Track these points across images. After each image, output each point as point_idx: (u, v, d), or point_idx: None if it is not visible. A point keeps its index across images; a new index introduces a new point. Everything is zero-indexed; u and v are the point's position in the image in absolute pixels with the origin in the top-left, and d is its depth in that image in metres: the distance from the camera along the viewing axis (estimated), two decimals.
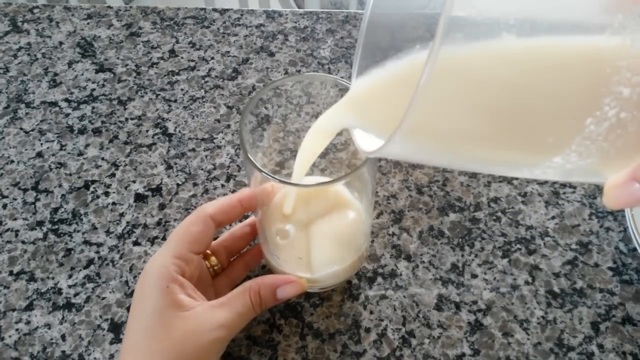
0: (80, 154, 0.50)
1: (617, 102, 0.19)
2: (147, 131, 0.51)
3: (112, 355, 0.38)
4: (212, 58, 0.58)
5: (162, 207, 0.46)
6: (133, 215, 0.45)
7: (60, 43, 0.60)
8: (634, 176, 0.20)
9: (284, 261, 0.36)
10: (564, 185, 0.47)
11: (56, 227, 0.45)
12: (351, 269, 0.38)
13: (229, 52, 0.58)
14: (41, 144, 0.51)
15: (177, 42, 0.59)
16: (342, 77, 0.35)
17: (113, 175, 0.48)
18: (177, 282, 0.33)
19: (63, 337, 0.39)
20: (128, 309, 0.40)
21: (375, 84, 0.28)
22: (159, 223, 0.45)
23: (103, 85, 0.55)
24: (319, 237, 0.35)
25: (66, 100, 0.54)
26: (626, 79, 0.19)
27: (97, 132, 0.51)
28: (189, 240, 0.34)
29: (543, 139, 0.20)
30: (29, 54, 0.58)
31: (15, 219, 0.45)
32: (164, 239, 0.44)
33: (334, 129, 0.30)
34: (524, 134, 0.21)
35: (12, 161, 0.49)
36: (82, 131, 0.51)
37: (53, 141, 0.51)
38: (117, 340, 0.39)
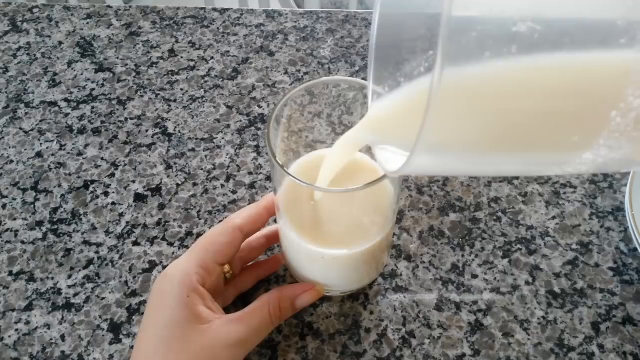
0: (80, 154, 0.50)
1: None
2: (146, 131, 0.51)
3: (111, 356, 0.38)
4: (212, 58, 0.58)
5: (161, 207, 0.46)
6: (133, 215, 0.45)
7: (60, 43, 0.60)
8: None
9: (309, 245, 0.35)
10: (564, 185, 0.47)
11: (56, 227, 0.45)
12: (373, 267, 0.38)
13: (228, 51, 0.58)
14: (41, 144, 0.50)
15: (177, 41, 0.59)
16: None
17: (112, 175, 0.48)
18: (197, 292, 0.32)
19: (62, 337, 0.39)
20: (128, 309, 0.40)
21: (391, 105, 0.28)
22: (158, 223, 0.45)
23: (102, 85, 0.55)
24: (346, 215, 0.35)
25: (66, 100, 0.54)
26: None
27: (96, 132, 0.51)
28: (215, 251, 0.34)
29: (567, 139, 0.20)
30: (28, 54, 0.58)
31: (14, 219, 0.45)
32: (163, 239, 0.44)
33: (357, 146, 0.31)
34: (546, 138, 0.20)
35: (12, 161, 0.49)
36: (81, 131, 0.51)
37: (52, 141, 0.51)
38: (116, 340, 0.39)
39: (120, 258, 0.43)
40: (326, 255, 0.34)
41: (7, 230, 0.45)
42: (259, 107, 0.53)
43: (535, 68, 0.19)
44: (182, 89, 0.55)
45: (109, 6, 0.63)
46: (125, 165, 0.49)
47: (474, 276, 0.41)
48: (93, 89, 0.55)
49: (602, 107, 0.19)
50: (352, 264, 0.36)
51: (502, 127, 0.20)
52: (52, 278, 0.42)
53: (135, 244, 0.44)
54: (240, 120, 0.52)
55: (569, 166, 0.21)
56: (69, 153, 0.50)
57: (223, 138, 0.51)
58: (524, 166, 0.23)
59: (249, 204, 0.46)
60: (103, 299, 0.41)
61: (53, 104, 0.54)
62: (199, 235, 0.44)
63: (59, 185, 0.47)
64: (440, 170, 0.24)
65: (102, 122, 0.52)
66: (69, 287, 0.41)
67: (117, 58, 0.58)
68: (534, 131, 0.20)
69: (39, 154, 0.50)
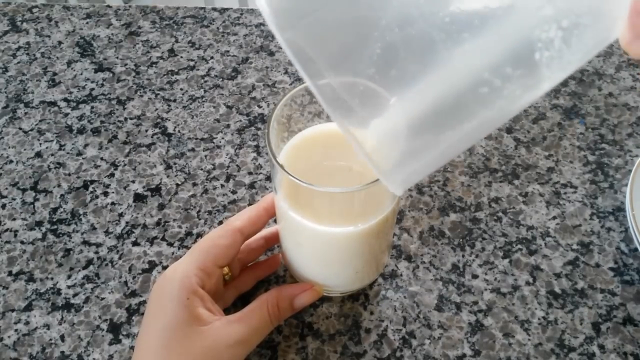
0: (79, 153, 0.50)
1: (550, 23, 0.19)
2: (146, 131, 0.51)
3: (111, 356, 0.38)
4: (212, 57, 0.58)
5: (161, 207, 0.46)
6: (132, 216, 0.45)
7: (59, 42, 0.59)
8: (634, 28, 0.19)
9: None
10: (565, 185, 0.47)
11: (55, 227, 0.45)
12: (373, 266, 0.38)
13: (228, 51, 0.58)
14: (40, 144, 0.50)
15: (177, 41, 0.59)
16: None
17: (112, 175, 0.48)
18: (197, 294, 0.33)
19: (62, 337, 0.39)
20: (127, 309, 0.40)
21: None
22: (158, 223, 0.45)
23: (102, 85, 0.55)
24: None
25: (65, 100, 0.54)
26: None
27: (96, 132, 0.51)
28: (215, 254, 0.34)
29: (515, 92, 0.21)
30: (28, 54, 0.58)
31: (14, 219, 0.45)
32: (163, 239, 0.44)
33: None
34: (494, 104, 0.21)
35: (11, 161, 0.49)
36: (81, 131, 0.51)
37: (52, 141, 0.51)
38: (116, 340, 0.38)
39: (119, 258, 0.43)
40: (331, 234, 0.33)
41: (6, 230, 0.45)
42: (259, 107, 0.53)
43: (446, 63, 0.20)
44: (181, 89, 0.55)
45: (108, 6, 0.63)
46: (125, 165, 0.49)
47: (475, 276, 0.41)
48: (92, 89, 0.55)
49: (522, 54, 0.20)
50: (355, 245, 0.35)
51: (452, 119, 0.21)
52: (52, 278, 0.42)
53: (135, 244, 0.44)
54: (240, 120, 0.52)
55: (540, 91, 0.22)
56: (68, 153, 0.50)
57: (223, 138, 0.51)
58: (498, 118, 0.23)
59: (249, 204, 0.46)
60: (103, 299, 0.41)
61: (52, 103, 0.54)
62: (198, 235, 0.44)
63: (59, 185, 0.47)
64: (433, 168, 0.25)
65: (102, 122, 0.52)
66: (69, 287, 0.41)
67: (117, 58, 0.58)
68: (481, 103, 0.21)
69: (38, 154, 0.50)
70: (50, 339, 0.39)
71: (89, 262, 0.43)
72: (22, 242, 0.44)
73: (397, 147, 0.22)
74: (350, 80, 0.20)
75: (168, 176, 0.48)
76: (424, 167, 0.23)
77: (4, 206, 0.46)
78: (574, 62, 0.20)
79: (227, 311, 0.35)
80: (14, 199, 0.46)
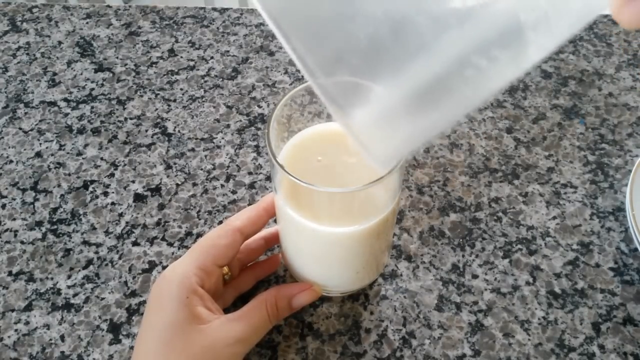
0: (79, 153, 0.50)
1: None
2: (146, 131, 0.51)
3: (111, 356, 0.38)
4: (212, 57, 0.58)
5: (161, 207, 0.46)
6: (132, 216, 0.45)
7: (60, 42, 0.59)
8: None
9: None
10: (565, 185, 0.47)
11: (55, 227, 0.45)
12: (372, 266, 0.38)
13: (228, 51, 0.58)
14: (40, 144, 0.50)
15: (177, 41, 0.59)
16: None
17: (112, 175, 0.48)
18: (197, 293, 0.33)
19: (62, 337, 0.39)
20: (127, 309, 0.40)
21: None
22: (158, 223, 0.45)
23: (102, 85, 0.55)
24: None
25: (65, 100, 0.54)
26: None
27: (96, 132, 0.51)
28: (215, 253, 0.34)
29: (501, 61, 0.21)
30: (28, 54, 0.58)
31: (14, 219, 0.45)
32: (163, 239, 0.44)
33: None
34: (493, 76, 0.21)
35: (11, 161, 0.49)
36: (81, 131, 0.51)
37: (52, 141, 0.51)
38: (116, 340, 0.38)
39: (119, 258, 0.43)
40: (331, 234, 0.33)
41: (6, 230, 0.45)
42: (259, 107, 0.53)
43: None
44: (181, 89, 0.55)
45: (108, 6, 0.63)
46: (125, 165, 0.49)
47: (475, 276, 0.41)
48: (92, 89, 0.55)
49: (507, 18, 0.20)
50: (355, 245, 0.35)
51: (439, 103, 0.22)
52: (52, 278, 0.42)
53: (135, 244, 0.44)
54: (240, 120, 0.52)
55: (522, 66, 0.22)
56: (68, 153, 0.50)
57: (223, 138, 0.51)
58: (480, 95, 0.23)
59: (249, 204, 0.46)
60: (102, 299, 0.41)
61: (52, 103, 0.54)
62: (198, 235, 0.44)
63: (59, 185, 0.47)
64: (419, 142, 0.25)
65: (102, 122, 0.52)
66: (69, 287, 0.41)
67: (117, 58, 0.58)
68: (469, 78, 0.21)
69: (38, 154, 0.50)
70: (50, 339, 0.39)
71: (89, 262, 0.43)
72: (22, 242, 0.44)
73: (386, 128, 0.22)
74: (338, 67, 0.20)
75: (168, 176, 0.48)
76: (407, 143, 0.23)
77: (4, 206, 0.46)
78: (562, 28, 0.20)
79: (227, 311, 0.35)
80: (14, 199, 0.46)
